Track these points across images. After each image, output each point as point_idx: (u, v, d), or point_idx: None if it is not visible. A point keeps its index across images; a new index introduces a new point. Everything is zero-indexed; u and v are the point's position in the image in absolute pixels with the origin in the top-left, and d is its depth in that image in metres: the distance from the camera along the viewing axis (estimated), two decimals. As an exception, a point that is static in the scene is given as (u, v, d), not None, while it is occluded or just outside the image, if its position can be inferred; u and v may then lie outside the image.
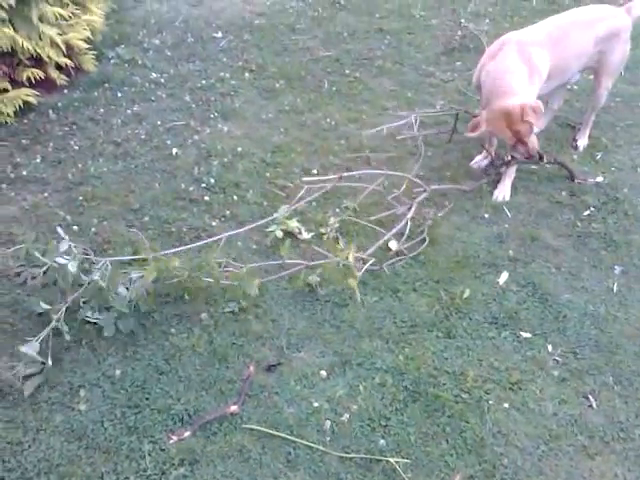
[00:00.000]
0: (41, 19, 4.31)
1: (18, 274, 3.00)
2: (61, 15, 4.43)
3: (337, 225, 3.15)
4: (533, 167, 3.78)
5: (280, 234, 3.13)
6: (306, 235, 3.19)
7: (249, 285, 2.76)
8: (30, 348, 2.46)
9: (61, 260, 2.68)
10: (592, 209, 3.48)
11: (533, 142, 3.32)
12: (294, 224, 3.18)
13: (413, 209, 3.27)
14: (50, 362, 2.49)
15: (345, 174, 3.31)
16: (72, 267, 2.67)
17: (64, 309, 2.60)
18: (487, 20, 5.70)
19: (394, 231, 3.14)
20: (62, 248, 2.74)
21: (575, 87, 4.62)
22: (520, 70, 3.31)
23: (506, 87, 3.27)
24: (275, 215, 3.12)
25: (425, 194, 3.40)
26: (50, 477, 2.18)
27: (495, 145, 3.82)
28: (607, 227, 3.36)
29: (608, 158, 3.92)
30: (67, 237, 2.79)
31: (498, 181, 3.60)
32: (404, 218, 3.20)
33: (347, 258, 2.79)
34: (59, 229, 2.87)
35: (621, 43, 3.66)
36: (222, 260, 2.85)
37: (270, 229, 3.15)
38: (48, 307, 2.64)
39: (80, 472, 2.19)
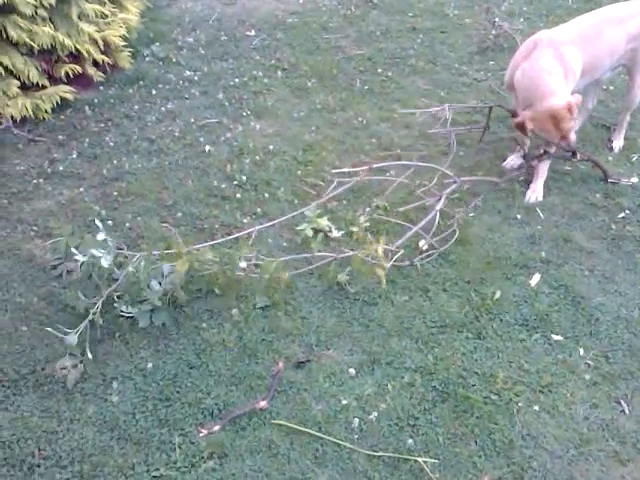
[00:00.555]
0: (80, 17, 4.40)
1: (55, 267, 3.08)
2: (100, 12, 4.52)
3: (367, 224, 3.15)
4: (567, 168, 3.74)
5: (310, 232, 3.14)
6: (336, 233, 3.20)
7: (279, 275, 2.79)
8: (70, 340, 2.52)
9: (97, 253, 2.73)
10: (627, 212, 3.43)
11: (573, 136, 3.34)
12: (324, 222, 3.20)
13: (442, 200, 3.26)
14: (90, 355, 2.54)
15: (375, 165, 3.33)
16: (106, 261, 2.72)
17: (100, 303, 2.65)
18: (521, 19, 5.63)
19: (423, 222, 3.13)
20: (99, 239, 2.80)
21: (611, 87, 4.55)
22: (556, 69, 3.30)
23: (546, 87, 3.26)
24: (305, 210, 3.13)
25: (455, 185, 3.38)
26: (83, 466, 2.23)
27: (529, 144, 3.78)
28: (643, 230, 3.30)
29: (644, 160, 3.85)
30: (103, 230, 2.84)
31: (530, 182, 3.56)
32: (433, 210, 3.19)
33: (377, 251, 2.80)
34: (97, 222, 2.92)
35: None
36: (252, 255, 2.88)
37: (300, 227, 3.17)
38: (86, 301, 2.70)
39: (112, 462, 2.23)
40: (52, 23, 4.23)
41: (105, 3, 4.72)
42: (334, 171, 3.29)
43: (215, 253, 2.89)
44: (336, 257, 2.95)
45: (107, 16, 4.65)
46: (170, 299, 2.77)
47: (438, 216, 3.18)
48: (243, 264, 2.85)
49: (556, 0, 6.00)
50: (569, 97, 3.23)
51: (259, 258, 2.91)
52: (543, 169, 3.54)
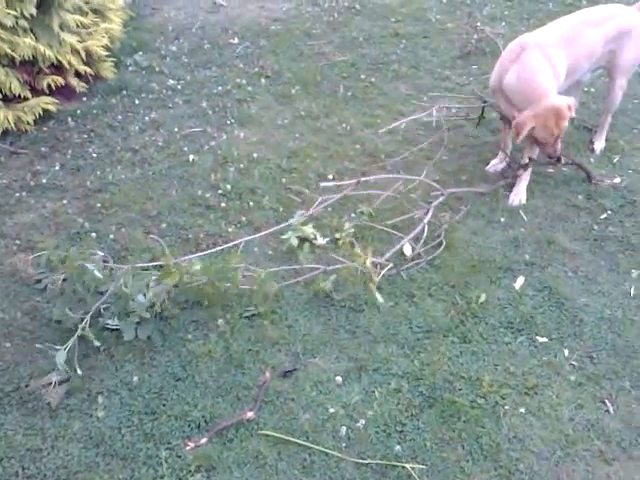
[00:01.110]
0: (62, 27, 4.39)
1: (39, 281, 3.06)
2: (81, 23, 4.51)
3: (352, 230, 3.15)
4: (550, 170, 3.77)
5: (295, 241, 3.14)
6: (322, 241, 3.20)
7: (268, 286, 2.79)
8: (60, 357, 2.50)
9: (89, 266, 2.72)
10: (609, 212, 3.45)
11: (557, 147, 3.38)
12: (309, 230, 3.20)
13: (430, 213, 3.27)
14: (79, 371, 2.52)
15: (363, 179, 3.32)
16: (98, 273, 2.71)
17: (89, 317, 2.63)
18: (503, 23, 5.68)
19: (412, 235, 3.15)
20: (85, 256, 2.79)
21: (592, 89, 4.59)
22: (547, 70, 3.36)
23: (542, 87, 3.31)
24: (290, 221, 3.13)
25: (442, 198, 3.40)
26: (69, 482, 2.21)
27: (510, 147, 3.81)
28: (624, 230, 3.33)
29: (625, 161, 3.88)
30: (90, 245, 2.84)
31: (513, 185, 3.58)
32: (421, 223, 3.21)
33: (364, 263, 2.81)
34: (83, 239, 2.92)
35: (633, 41, 3.66)
36: (240, 266, 2.87)
37: (285, 236, 3.16)
38: (73, 315, 2.68)
39: (98, 479, 2.22)
40: (33, 34, 4.21)
41: (87, 13, 4.73)
42: (322, 184, 3.28)
43: (202, 264, 2.88)
44: (325, 269, 2.94)
45: (89, 26, 4.65)
46: (157, 311, 2.76)
47: (426, 227, 3.19)
48: (240, 275, 2.84)
49: (536, 4, 6.05)
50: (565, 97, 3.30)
51: (248, 269, 2.90)
52: (526, 173, 3.56)
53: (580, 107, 4.31)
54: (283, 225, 3.16)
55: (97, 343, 2.61)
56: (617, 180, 3.70)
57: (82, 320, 2.63)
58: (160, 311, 2.76)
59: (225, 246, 3.06)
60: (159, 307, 2.74)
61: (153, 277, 2.79)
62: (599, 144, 4.00)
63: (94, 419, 2.43)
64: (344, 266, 2.87)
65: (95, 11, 4.76)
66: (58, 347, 2.51)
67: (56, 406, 2.45)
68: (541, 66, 3.34)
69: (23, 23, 4.10)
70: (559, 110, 3.23)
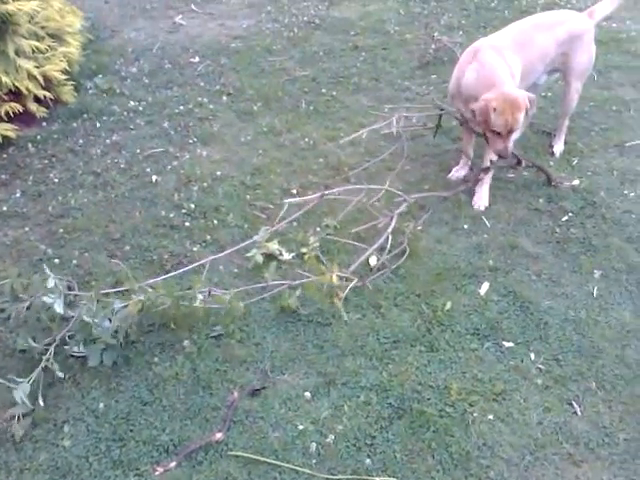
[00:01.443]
0: (17, 53, 4.34)
1: (2, 310, 3.00)
2: (37, 48, 4.47)
3: (317, 244, 3.16)
4: (510, 175, 3.82)
5: (260, 258, 3.13)
6: (287, 256, 3.20)
7: (235, 308, 2.78)
8: (21, 390, 2.44)
9: (48, 299, 2.68)
10: (570, 214, 3.51)
11: (511, 141, 3.35)
12: (274, 246, 3.19)
13: (394, 221, 3.28)
14: (42, 403, 2.48)
15: (326, 192, 3.32)
16: (58, 307, 2.68)
17: (52, 348, 2.59)
18: (460, 32, 5.76)
19: (376, 246, 3.16)
20: (48, 285, 2.75)
21: (549, 94, 4.67)
22: (504, 67, 3.41)
23: (501, 78, 3.33)
24: (255, 238, 3.12)
25: (405, 204, 3.41)
26: (35, 516, 2.16)
27: (472, 154, 3.85)
28: (586, 232, 3.38)
29: (584, 163, 3.95)
30: (51, 274, 2.78)
31: (475, 190, 3.62)
32: (385, 232, 3.22)
33: (331, 279, 2.80)
34: (45, 267, 2.87)
35: (584, 45, 3.75)
36: (205, 288, 2.84)
37: (250, 254, 3.15)
38: (36, 345, 2.63)
39: (65, 509, 2.18)
40: (-11, 61, 4.17)
41: (44, 38, 4.68)
42: (286, 201, 3.25)
43: (167, 287, 2.86)
44: (290, 284, 2.94)
45: (46, 51, 4.60)
46: (122, 336, 2.72)
47: (390, 237, 3.20)
48: (200, 297, 2.81)
49: (493, 12, 6.15)
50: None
51: (212, 290, 2.87)
52: (487, 177, 3.61)
53: (539, 112, 4.38)
54: (248, 242, 3.15)
55: (60, 374, 2.56)
56: (576, 182, 3.76)
57: (46, 350, 2.60)
58: (125, 336, 2.72)
59: (190, 267, 3.03)
60: (124, 332, 2.71)
61: (117, 304, 2.74)
62: (558, 147, 4.07)
63: (60, 449, 2.39)
64: (310, 281, 2.86)
65: (52, 35, 4.71)
66: (21, 380, 2.46)
67: (21, 438, 2.40)
68: (498, 63, 3.40)
69: (-23, 50, 4.06)
70: (515, 99, 3.24)
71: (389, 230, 3.22)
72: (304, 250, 3.22)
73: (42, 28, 4.66)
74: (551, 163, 3.96)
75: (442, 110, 3.97)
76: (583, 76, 3.94)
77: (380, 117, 4.22)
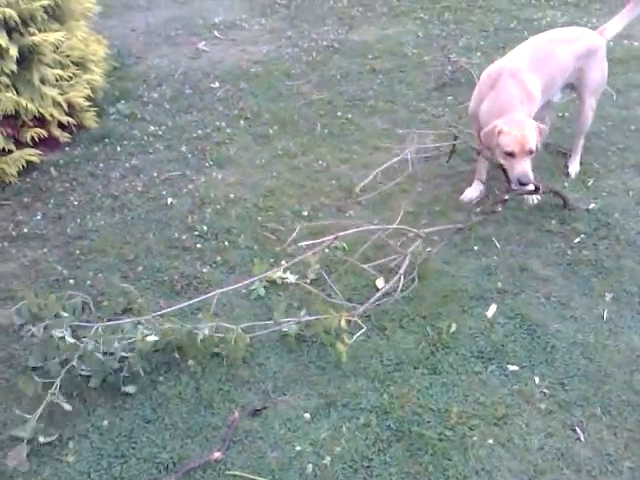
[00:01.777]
0: (42, 81, 4.51)
1: (21, 327, 3.08)
2: (61, 76, 4.63)
3: (317, 266, 3.18)
4: (524, 196, 3.79)
5: (262, 292, 3.16)
6: (292, 279, 3.23)
7: (237, 349, 2.79)
8: (22, 433, 2.49)
9: (58, 333, 2.76)
10: (583, 236, 3.46)
11: (526, 167, 3.29)
12: (277, 275, 3.21)
13: (407, 261, 3.19)
14: (43, 440, 2.51)
15: (341, 234, 3.16)
16: (68, 337, 2.75)
17: (58, 382, 2.63)
18: (479, 53, 5.77)
19: (387, 287, 3.08)
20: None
21: (566, 114, 4.64)
22: (521, 96, 3.45)
23: (515, 107, 3.40)
24: (259, 276, 3.10)
25: (419, 241, 3.34)
26: (35, 531, 2.21)
27: (485, 176, 3.84)
28: (598, 253, 3.34)
29: (600, 183, 3.91)
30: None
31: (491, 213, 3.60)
32: (397, 264, 3.19)
33: (339, 323, 2.79)
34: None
35: (598, 61, 3.81)
36: (213, 324, 2.85)
37: (253, 287, 3.17)
38: (44, 381, 2.66)
39: (64, 525, 2.22)
40: (15, 89, 4.34)
41: (69, 66, 4.84)
42: (301, 244, 3.21)
43: (176, 312, 2.92)
44: (299, 321, 2.94)
45: (70, 78, 4.77)
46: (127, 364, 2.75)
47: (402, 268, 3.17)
48: (206, 332, 2.83)
49: (512, 33, 6.15)
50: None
51: (219, 326, 2.86)
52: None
53: (554, 132, 4.38)
54: (251, 281, 3.11)
55: (67, 407, 2.59)
56: (592, 205, 3.71)
57: (60, 367, 2.66)
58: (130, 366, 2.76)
59: (195, 300, 2.99)
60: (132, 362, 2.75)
61: (128, 336, 2.78)
62: (573, 167, 4.04)
63: (64, 464, 2.44)
64: (316, 320, 2.85)
65: (76, 63, 4.87)
66: (29, 416, 2.51)
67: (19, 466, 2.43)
68: (515, 93, 3.45)
69: (5, 79, 4.23)
70: (523, 121, 3.31)
71: (401, 271, 3.12)
72: (309, 273, 3.23)
73: (67, 57, 4.82)
74: (566, 184, 3.92)
75: (456, 138, 3.96)
76: (597, 92, 3.95)
77: (393, 144, 4.23)
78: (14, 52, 4.21)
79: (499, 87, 3.48)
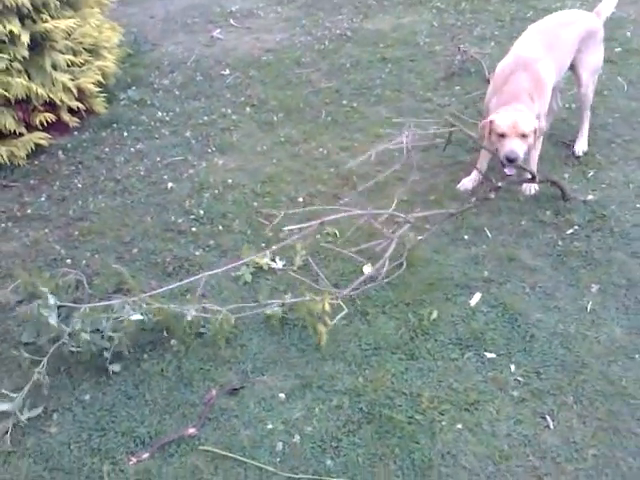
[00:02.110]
0: (54, 67, 4.62)
1: (19, 303, 3.19)
2: (73, 62, 4.74)
3: (304, 252, 3.23)
4: (518, 187, 3.77)
5: (249, 277, 3.22)
6: (280, 264, 3.27)
7: (222, 331, 2.85)
8: (9, 406, 2.59)
9: (44, 312, 2.85)
10: (576, 227, 3.44)
11: (515, 146, 3.32)
12: (264, 260, 3.26)
13: (393, 245, 3.21)
14: (23, 418, 2.58)
15: (326, 219, 3.21)
16: (52, 320, 2.83)
17: (45, 361, 2.72)
18: (492, 43, 5.72)
19: (371, 271, 3.13)
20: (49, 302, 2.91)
21: (573, 105, 4.58)
22: (530, 88, 3.50)
23: (520, 100, 3.47)
24: (242, 262, 3.16)
25: (407, 226, 3.37)
26: (13, 496, 2.31)
27: (485, 167, 3.83)
28: (590, 245, 3.31)
29: (600, 175, 3.86)
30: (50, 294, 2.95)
31: (485, 200, 3.60)
32: (384, 249, 3.21)
33: (323, 307, 2.83)
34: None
35: (597, 43, 3.89)
36: (200, 306, 2.92)
37: (239, 272, 3.23)
38: (33, 357, 2.74)
39: (40, 491, 2.32)
40: (27, 74, 4.46)
41: (81, 52, 4.95)
42: (285, 229, 3.27)
43: (165, 293, 2.99)
44: (283, 303, 2.99)
45: (82, 64, 4.88)
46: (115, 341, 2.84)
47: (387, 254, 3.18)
48: (193, 313, 2.90)
49: (527, 22, 5.99)
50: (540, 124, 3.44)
51: (205, 309, 2.93)
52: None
53: (560, 123, 4.34)
54: (240, 262, 3.16)
55: (51, 364, 2.70)
56: (590, 197, 3.67)
57: (50, 342, 2.76)
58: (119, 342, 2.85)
59: (183, 282, 3.05)
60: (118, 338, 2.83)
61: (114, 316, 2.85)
62: (580, 145, 4.07)
63: (47, 435, 2.54)
64: (301, 301, 2.89)
65: (89, 50, 4.98)
66: (15, 395, 2.59)
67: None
68: (526, 86, 3.50)
69: (17, 65, 4.35)
70: (519, 109, 3.38)
71: (387, 256, 3.15)
72: (298, 259, 3.28)
73: (80, 43, 4.93)
74: (566, 175, 3.89)
75: (453, 126, 3.94)
76: (596, 73, 4.02)
77: (394, 130, 4.25)
78: (26, 38, 4.33)
79: (511, 80, 3.53)
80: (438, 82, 5.13)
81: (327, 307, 2.84)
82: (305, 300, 2.88)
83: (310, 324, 2.87)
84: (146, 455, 2.42)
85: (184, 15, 7.09)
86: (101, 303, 2.95)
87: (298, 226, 3.14)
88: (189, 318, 2.87)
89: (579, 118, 4.11)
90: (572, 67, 3.90)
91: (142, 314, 2.86)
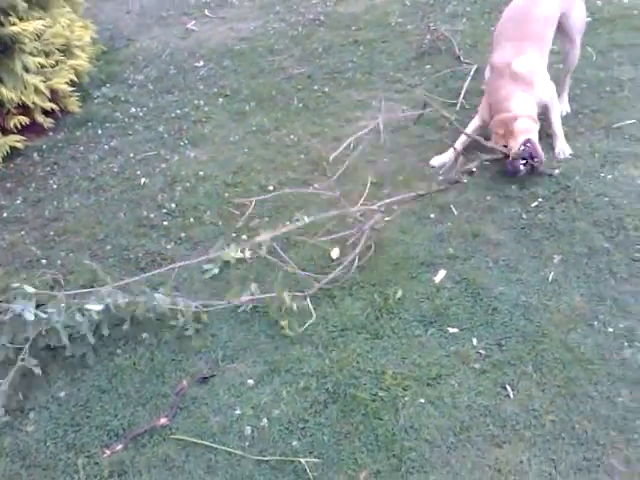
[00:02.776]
0: (25, 69, 4.66)
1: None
2: (43, 63, 4.77)
3: (269, 242, 3.28)
4: (485, 163, 3.80)
5: (217, 271, 3.27)
6: (248, 255, 3.33)
7: (193, 324, 2.94)
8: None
9: (18, 307, 2.91)
10: (541, 200, 3.47)
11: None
12: (230, 255, 3.30)
13: (365, 237, 3.25)
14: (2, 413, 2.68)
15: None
16: (28, 314, 2.90)
17: (27, 348, 2.81)
18: (464, 19, 5.72)
19: (340, 269, 3.13)
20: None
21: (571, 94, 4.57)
22: (517, 93, 3.69)
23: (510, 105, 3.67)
24: (211, 254, 3.20)
25: (378, 215, 3.40)
26: (-8, 494, 2.40)
27: (461, 149, 3.86)
28: (553, 216, 3.35)
29: (567, 146, 3.88)
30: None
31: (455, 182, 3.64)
32: (354, 236, 3.26)
33: (284, 301, 2.91)
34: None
35: (580, 4, 3.99)
36: (171, 296, 2.98)
37: (207, 267, 3.29)
38: (10, 345, 2.85)
39: (18, 488, 2.40)
40: (-1, 78, 4.51)
41: (53, 53, 4.99)
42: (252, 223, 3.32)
43: (137, 285, 3.05)
44: (253, 299, 3.05)
45: (54, 65, 4.91)
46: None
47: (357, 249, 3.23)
48: (167, 303, 2.97)
49: (498, -4, 6.05)
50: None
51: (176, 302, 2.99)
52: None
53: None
54: (206, 257, 3.21)
55: (37, 371, 2.75)
56: (557, 171, 3.70)
57: (21, 349, 2.83)
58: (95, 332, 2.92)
59: (161, 270, 3.15)
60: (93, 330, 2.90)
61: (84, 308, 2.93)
62: (563, 106, 4.15)
63: (24, 434, 2.62)
64: (270, 297, 2.97)
65: (61, 50, 5.02)
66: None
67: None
68: (511, 91, 3.68)
69: (-14, 69, 4.40)
70: (508, 122, 3.62)
71: (357, 250, 3.17)
72: (261, 251, 3.31)
73: (51, 44, 4.96)
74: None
75: (426, 105, 3.97)
76: (581, 33, 4.08)
77: (366, 115, 4.27)
78: (-7, 42, 4.37)
79: (500, 90, 3.71)
80: (409, 62, 5.15)
81: (295, 308, 2.92)
82: (273, 297, 2.96)
83: (277, 318, 2.94)
84: (120, 447, 2.50)
85: (159, 8, 7.11)
86: (72, 292, 3.01)
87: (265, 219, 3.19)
88: (158, 311, 2.94)
89: (563, 77, 4.17)
90: (559, 29, 3.95)
91: (106, 305, 2.92)
